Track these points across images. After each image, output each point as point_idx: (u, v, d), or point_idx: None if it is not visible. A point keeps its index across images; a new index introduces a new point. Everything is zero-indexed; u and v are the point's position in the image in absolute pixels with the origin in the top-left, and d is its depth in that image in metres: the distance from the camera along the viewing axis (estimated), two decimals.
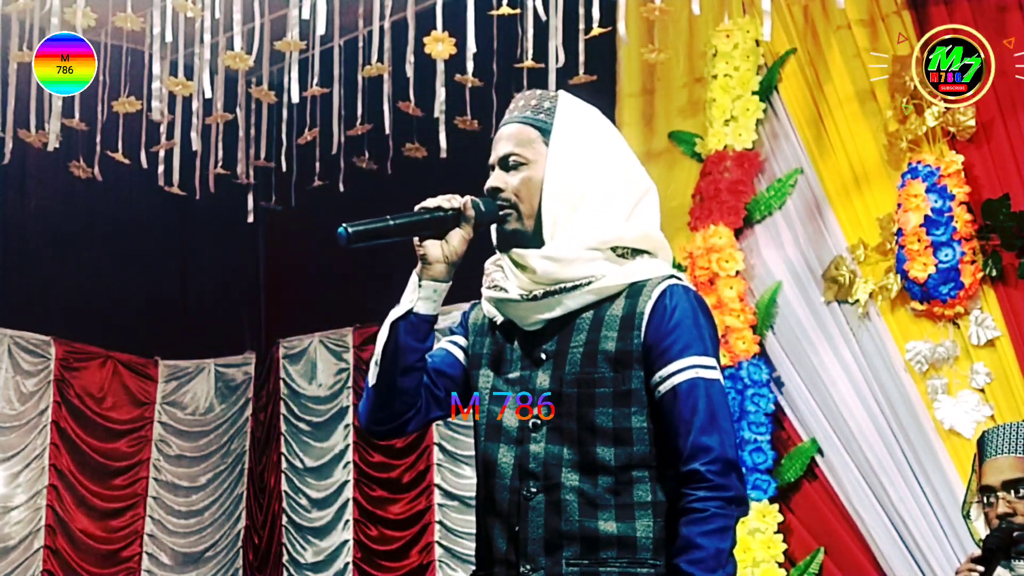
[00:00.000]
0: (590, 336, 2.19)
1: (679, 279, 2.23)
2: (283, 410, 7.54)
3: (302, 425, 7.45)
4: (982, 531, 3.16)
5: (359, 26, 5.55)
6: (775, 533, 5.06)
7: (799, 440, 5.11)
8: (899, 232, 4.79)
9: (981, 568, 2.95)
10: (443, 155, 5.48)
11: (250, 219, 6.42)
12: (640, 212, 2.27)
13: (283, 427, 7.52)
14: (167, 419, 7.66)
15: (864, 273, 4.97)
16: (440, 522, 6.77)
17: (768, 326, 5.22)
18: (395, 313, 2.22)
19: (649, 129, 5.73)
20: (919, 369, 4.77)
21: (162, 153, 5.91)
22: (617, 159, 2.29)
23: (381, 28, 5.34)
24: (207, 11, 5.12)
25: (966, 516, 3.31)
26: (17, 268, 7.20)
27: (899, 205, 4.82)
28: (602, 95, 5.01)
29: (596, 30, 4.92)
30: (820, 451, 5.05)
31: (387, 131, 5.67)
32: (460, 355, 2.34)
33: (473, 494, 2.38)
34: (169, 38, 5.14)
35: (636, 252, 2.24)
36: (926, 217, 4.70)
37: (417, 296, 2.21)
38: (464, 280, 2.30)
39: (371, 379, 2.25)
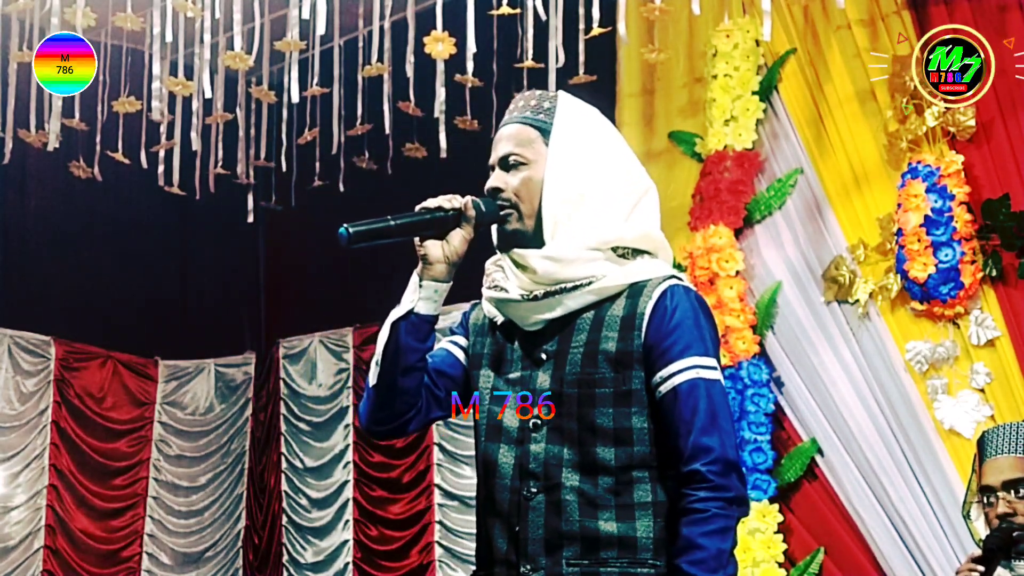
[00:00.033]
0: (591, 336, 2.19)
1: (680, 279, 2.23)
2: (283, 410, 7.54)
3: (302, 425, 7.45)
4: (982, 531, 3.16)
5: (359, 26, 5.55)
6: (775, 533, 5.06)
7: (799, 440, 5.11)
8: (899, 232, 4.79)
9: (981, 568, 2.95)
10: (443, 155, 5.48)
11: (250, 219, 6.42)
12: (640, 212, 2.27)
13: (283, 427, 7.52)
14: (167, 419, 7.66)
15: (864, 273, 4.97)
16: (440, 522, 6.77)
17: (768, 326, 5.22)
18: (396, 313, 2.22)
19: (649, 129, 5.73)
20: (919, 369, 4.77)
21: (162, 153, 5.91)
22: (617, 159, 2.29)
23: (381, 28, 5.34)
24: (207, 11, 5.12)
25: (966, 516, 3.31)
26: (17, 268, 7.20)
27: (899, 205, 4.82)
28: (602, 95, 5.01)
29: (596, 30, 4.92)
30: (820, 451, 5.05)
31: (387, 131, 5.67)
32: (460, 355, 2.34)
33: (473, 494, 2.38)
34: (169, 38, 5.14)
35: (637, 252, 2.24)
36: (926, 217, 4.70)
37: (418, 296, 2.21)
38: (464, 280, 2.30)
39: (372, 379, 2.25)
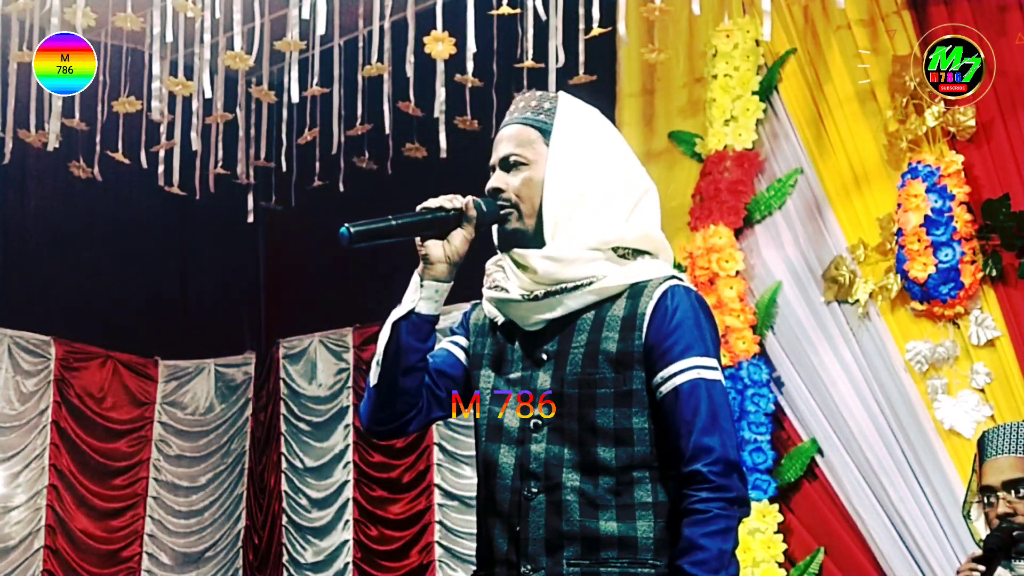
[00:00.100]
0: (591, 336, 2.19)
1: (680, 280, 2.23)
2: (283, 410, 7.54)
3: (302, 425, 7.45)
4: (982, 531, 3.16)
5: (359, 26, 5.55)
6: (775, 533, 5.07)
7: (799, 440, 5.11)
8: (899, 232, 4.79)
9: (982, 568, 2.95)
10: (443, 155, 5.48)
11: (250, 219, 6.42)
12: (640, 212, 2.28)
13: (283, 427, 7.52)
14: (167, 419, 7.66)
15: (864, 273, 4.97)
16: (440, 522, 6.77)
17: (768, 326, 5.22)
18: (397, 313, 2.22)
19: (649, 129, 5.73)
20: (919, 369, 4.77)
21: (162, 153, 5.91)
22: (617, 159, 2.29)
23: (381, 28, 5.34)
24: (207, 11, 5.12)
25: (966, 516, 3.31)
26: (17, 268, 7.20)
27: (899, 205, 4.82)
28: (602, 95, 5.01)
29: (596, 30, 4.92)
30: (820, 451, 5.05)
31: (387, 131, 5.67)
32: (461, 355, 2.34)
33: (473, 494, 2.38)
34: (169, 38, 5.14)
35: (637, 252, 2.24)
36: (926, 217, 4.70)
37: (419, 296, 2.21)
38: (465, 280, 2.30)
39: (372, 379, 2.26)
